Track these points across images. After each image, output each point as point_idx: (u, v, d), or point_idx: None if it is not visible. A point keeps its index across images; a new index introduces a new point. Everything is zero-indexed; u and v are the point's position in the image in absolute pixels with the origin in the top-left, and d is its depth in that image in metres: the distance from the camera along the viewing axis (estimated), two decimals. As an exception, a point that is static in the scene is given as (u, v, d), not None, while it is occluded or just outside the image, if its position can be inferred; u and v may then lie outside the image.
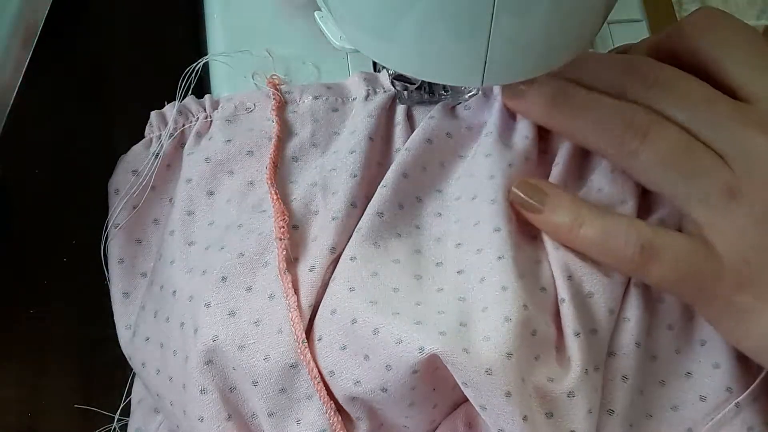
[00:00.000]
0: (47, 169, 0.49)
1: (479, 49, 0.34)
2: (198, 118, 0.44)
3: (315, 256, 0.39)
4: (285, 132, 0.43)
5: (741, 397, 0.39)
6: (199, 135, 0.44)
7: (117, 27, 0.47)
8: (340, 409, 0.38)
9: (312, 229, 0.41)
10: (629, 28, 0.49)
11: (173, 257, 0.41)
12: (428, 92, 0.44)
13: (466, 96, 0.44)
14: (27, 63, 0.40)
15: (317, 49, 0.46)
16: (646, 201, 0.41)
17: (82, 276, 0.47)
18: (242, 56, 0.45)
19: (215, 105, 0.44)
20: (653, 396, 0.40)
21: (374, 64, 0.46)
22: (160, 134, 0.44)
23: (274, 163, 0.42)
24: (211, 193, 0.42)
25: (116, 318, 0.44)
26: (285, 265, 0.39)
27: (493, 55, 0.34)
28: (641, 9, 0.50)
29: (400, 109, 0.44)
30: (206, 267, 0.40)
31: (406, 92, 0.44)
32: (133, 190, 0.43)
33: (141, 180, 0.43)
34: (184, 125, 0.44)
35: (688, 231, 0.40)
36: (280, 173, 0.42)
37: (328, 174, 0.42)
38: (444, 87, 0.44)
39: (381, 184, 0.41)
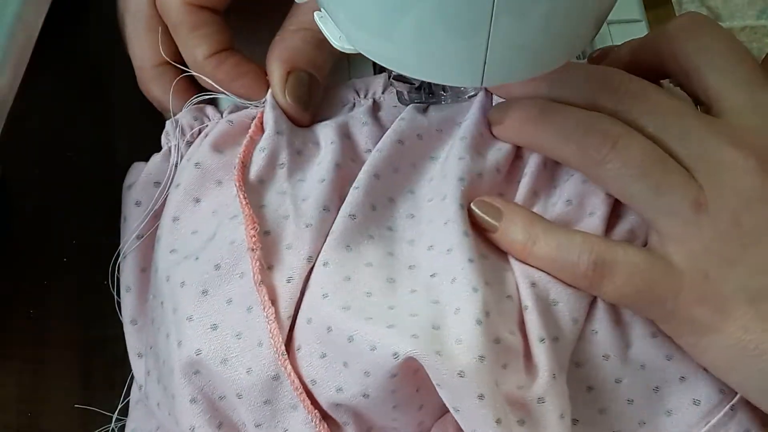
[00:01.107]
0: (47, 169, 0.49)
1: (479, 50, 0.34)
2: (214, 121, 0.43)
3: (293, 267, 0.39)
4: (259, 135, 0.42)
5: (735, 400, 0.39)
6: (207, 136, 0.43)
7: (117, 27, 0.46)
8: (326, 416, 0.38)
9: (285, 234, 0.40)
10: (629, 28, 0.49)
11: (157, 265, 0.41)
12: (428, 92, 0.44)
13: (466, 96, 0.44)
14: (27, 63, 0.40)
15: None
16: (615, 212, 0.41)
17: (82, 276, 0.47)
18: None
19: (233, 110, 0.44)
20: (646, 403, 0.40)
21: (374, 64, 0.46)
22: (178, 143, 0.43)
23: (243, 163, 0.41)
24: (197, 201, 0.42)
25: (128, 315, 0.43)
26: (260, 277, 0.38)
27: (492, 56, 0.34)
28: (641, 9, 0.50)
29: (365, 109, 0.44)
30: (184, 278, 0.40)
31: (405, 92, 0.44)
32: (158, 202, 0.42)
33: (164, 192, 0.42)
34: (200, 130, 0.43)
35: (652, 242, 0.40)
36: (249, 180, 0.41)
37: (297, 183, 0.41)
38: (444, 87, 0.44)
39: (353, 185, 0.41)
